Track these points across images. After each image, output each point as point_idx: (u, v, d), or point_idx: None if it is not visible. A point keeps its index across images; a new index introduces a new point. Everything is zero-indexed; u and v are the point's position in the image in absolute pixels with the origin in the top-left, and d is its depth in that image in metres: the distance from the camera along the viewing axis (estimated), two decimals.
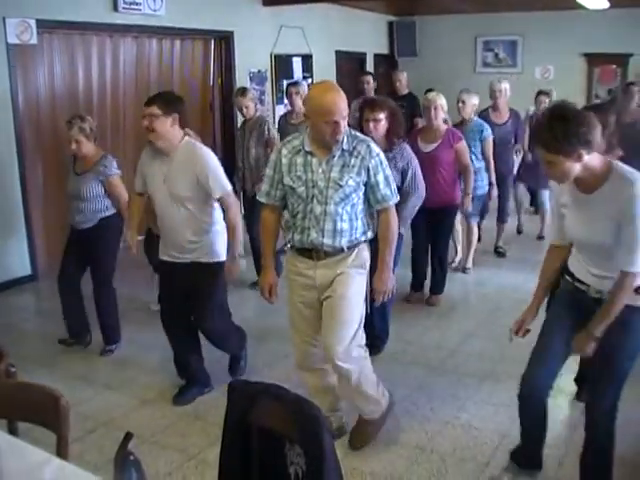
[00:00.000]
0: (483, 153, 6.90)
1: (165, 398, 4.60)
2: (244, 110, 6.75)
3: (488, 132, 6.89)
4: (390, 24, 13.93)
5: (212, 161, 4.19)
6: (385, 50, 13.97)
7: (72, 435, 2.51)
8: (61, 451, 2.40)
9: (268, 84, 10.38)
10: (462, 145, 6.15)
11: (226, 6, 9.30)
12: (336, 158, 3.52)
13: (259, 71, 10.18)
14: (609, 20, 11.68)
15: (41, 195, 7.46)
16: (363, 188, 3.57)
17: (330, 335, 3.62)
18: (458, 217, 6.92)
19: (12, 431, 2.68)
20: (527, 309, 3.37)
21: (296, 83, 7.74)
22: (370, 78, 9.11)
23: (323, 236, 3.56)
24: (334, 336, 3.60)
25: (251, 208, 6.61)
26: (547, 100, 8.55)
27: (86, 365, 5.16)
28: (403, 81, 9.34)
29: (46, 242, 7.47)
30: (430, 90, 8.22)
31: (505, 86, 7.61)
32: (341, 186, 3.51)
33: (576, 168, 2.82)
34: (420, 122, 8.45)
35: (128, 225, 4.74)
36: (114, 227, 5.18)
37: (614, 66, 12.60)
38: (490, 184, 7.04)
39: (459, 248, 7.47)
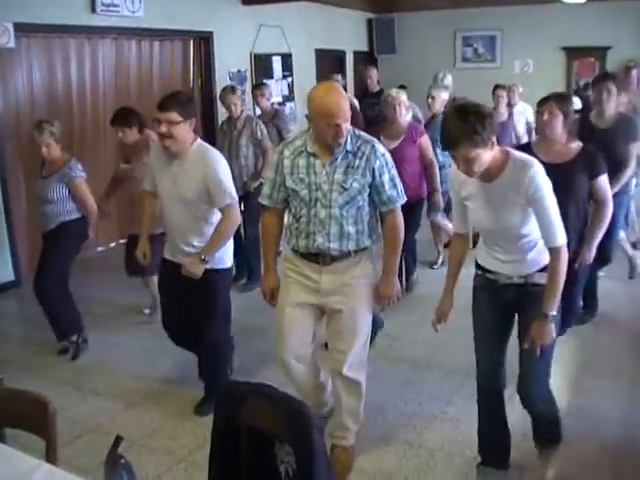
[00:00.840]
0: None
1: (151, 401, 4.60)
2: (232, 107, 6.74)
3: None
4: (369, 21, 13.94)
5: (223, 169, 4.08)
6: (365, 47, 13.99)
7: (60, 440, 2.50)
8: (50, 456, 2.39)
9: (248, 84, 10.36)
10: (425, 140, 6.14)
11: (205, 6, 9.27)
12: (340, 160, 3.42)
13: (239, 71, 10.17)
14: (587, 14, 11.77)
15: (23, 200, 7.40)
16: (368, 190, 3.47)
17: (341, 346, 3.62)
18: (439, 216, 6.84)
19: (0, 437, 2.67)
20: (442, 300, 3.53)
21: (261, 85, 7.95)
22: (339, 77, 9.27)
23: (329, 240, 3.47)
24: (345, 348, 3.60)
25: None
26: (504, 94, 8.48)
27: (71, 370, 5.14)
28: (374, 77, 9.44)
29: (29, 248, 7.41)
30: (402, 87, 8.55)
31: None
32: (345, 189, 3.41)
33: (490, 157, 2.93)
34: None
35: (142, 230, 4.59)
36: (73, 231, 5.17)
37: (592, 59, 12.67)
38: None
39: (440, 248, 7.40)
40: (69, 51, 7.83)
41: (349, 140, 3.42)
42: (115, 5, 7.81)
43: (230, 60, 9.91)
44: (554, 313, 3.06)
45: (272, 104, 8.14)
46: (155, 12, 8.34)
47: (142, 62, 8.81)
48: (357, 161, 3.43)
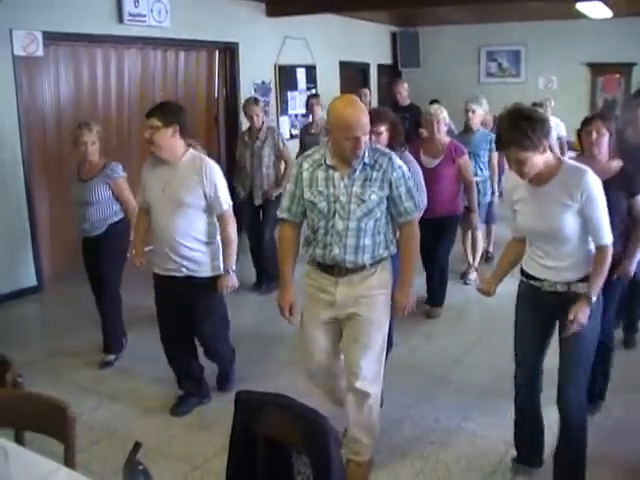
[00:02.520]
0: (490, 162, 7.05)
1: (169, 408, 4.60)
2: (254, 118, 6.84)
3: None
4: (393, 35, 13.98)
5: (220, 176, 4.21)
6: (388, 61, 14.02)
7: (78, 445, 2.52)
8: (69, 460, 2.42)
9: (272, 95, 10.41)
10: (464, 160, 6.13)
11: (230, 17, 9.35)
12: (358, 172, 3.43)
13: (263, 82, 10.22)
14: (612, 29, 11.70)
15: (47, 206, 7.48)
16: (386, 202, 3.49)
17: (354, 358, 3.60)
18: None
19: (19, 440, 2.69)
20: (491, 279, 3.66)
21: (316, 95, 8.32)
22: (367, 91, 9.55)
23: (345, 252, 3.47)
24: (360, 358, 3.58)
25: (256, 215, 6.99)
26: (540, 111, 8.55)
27: (90, 375, 5.16)
28: (404, 92, 9.39)
29: (52, 253, 7.50)
30: (435, 101, 8.70)
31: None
32: (364, 201, 3.42)
33: (541, 160, 3.11)
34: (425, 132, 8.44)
35: (136, 242, 4.67)
36: (122, 233, 5.19)
37: (617, 75, 12.61)
38: (493, 193, 7.18)
39: (473, 262, 7.32)
40: (96, 60, 7.90)
41: (367, 153, 3.44)
42: (142, 15, 7.89)
43: (255, 71, 9.97)
44: (594, 298, 3.20)
45: None
46: (181, 23, 8.41)
47: (167, 72, 8.88)
48: (375, 174, 3.44)
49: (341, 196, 3.43)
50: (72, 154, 5.25)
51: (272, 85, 10.45)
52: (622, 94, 12.30)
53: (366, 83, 13.03)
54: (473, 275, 7.18)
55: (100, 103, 8.02)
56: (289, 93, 10.79)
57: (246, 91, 9.72)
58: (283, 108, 10.69)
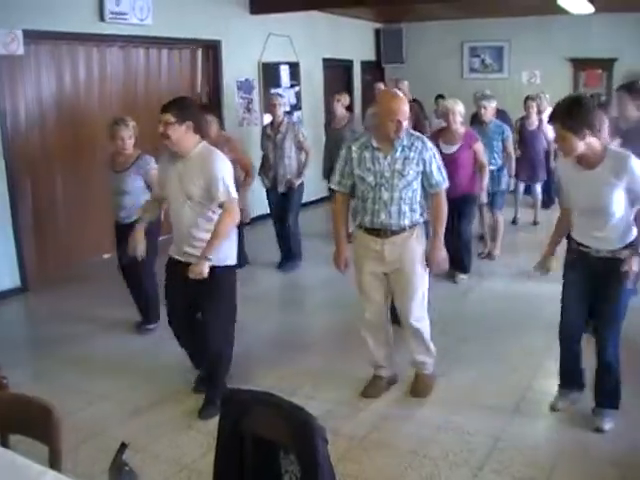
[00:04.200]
0: (504, 151, 7.71)
1: (157, 407, 4.60)
2: (277, 108, 7.63)
3: (508, 132, 7.79)
4: (377, 31, 13.96)
5: (223, 166, 4.30)
6: (372, 57, 14.00)
7: (64, 446, 2.48)
8: (54, 463, 2.39)
9: (256, 92, 10.38)
10: (479, 145, 6.96)
11: (213, 15, 9.30)
12: (398, 152, 4.24)
13: (246, 80, 10.19)
14: (594, 25, 11.74)
15: (30, 206, 7.43)
16: (420, 177, 4.28)
17: (406, 301, 4.42)
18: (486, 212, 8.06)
19: (4, 443, 2.67)
20: (544, 256, 4.30)
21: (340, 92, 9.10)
22: (381, 85, 10.38)
23: (390, 217, 4.27)
24: (409, 302, 4.41)
25: (280, 202, 7.82)
26: (534, 104, 9.39)
27: (77, 375, 5.12)
28: (405, 89, 9.93)
29: (36, 254, 7.44)
30: (441, 96, 10.01)
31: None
32: (404, 175, 4.23)
33: (581, 145, 3.67)
34: (427, 125, 9.77)
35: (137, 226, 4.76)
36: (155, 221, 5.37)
37: (600, 70, 12.66)
38: (510, 176, 8.04)
39: (493, 242, 8.15)
40: (77, 59, 7.86)
41: (405, 136, 4.24)
42: (124, 13, 7.84)
43: (238, 69, 9.94)
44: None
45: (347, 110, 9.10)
46: (163, 20, 8.36)
47: (150, 70, 8.84)
48: (412, 154, 4.25)
49: (385, 172, 4.24)
50: (109, 147, 5.74)
51: (255, 82, 10.42)
52: (604, 89, 12.36)
53: (350, 80, 13.03)
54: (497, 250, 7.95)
55: (82, 102, 7.97)
56: (272, 90, 10.75)
57: (229, 89, 9.70)
58: (267, 105, 10.65)
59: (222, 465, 2.42)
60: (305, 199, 8.38)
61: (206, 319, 4.44)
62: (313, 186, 9.52)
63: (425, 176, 4.31)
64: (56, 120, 7.66)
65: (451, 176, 5.79)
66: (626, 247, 3.84)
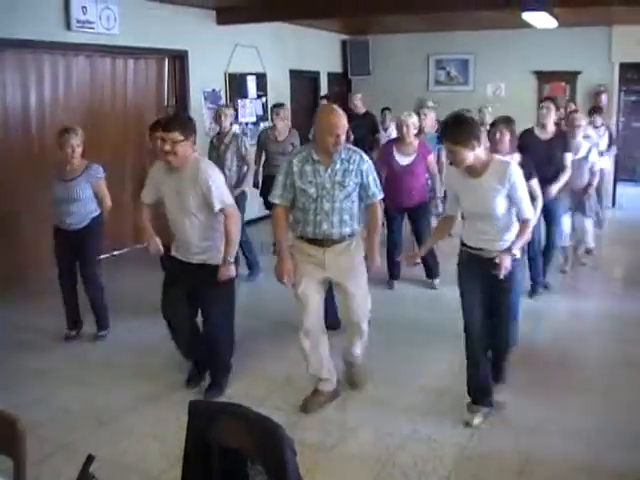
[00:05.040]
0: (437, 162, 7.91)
1: (123, 419, 4.55)
2: (223, 119, 7.59)
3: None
4: (343, 43, 14.03)
5: (214, 174, 4.63)
6: (339, 69, 14.05)
7: (29, 459, 2.44)
8: (19, 477, 2.35)
9: (222, 103, 10.36)
10: (431, 157, 7.29)
11: (180, 25, 9.28)
12: (338, 165, 4.42)
13: (213, 90, 10.18)
14: (558, 39, 11.91)
15: None
16: (358, 188, 4.48)
17: (354, 304, 4.60)
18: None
19: None
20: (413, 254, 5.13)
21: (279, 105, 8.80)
22: (325, 101, 10.33)
23: (333, 227, 4.46)
24: (357, 305, 4.60)
25: None
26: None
27: (42, 387, 5.06)
28: (358, 102, 10.41)
29: None
30: (387, 109, 10.14)
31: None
32: (345, 187, 4.43)
33: (470, 156, 4.01)
34: (381, 137, 10.03)
35: (149, 235, 4.98)
36: (100, 225, 5.91)
37: (563, 83, 12.84)
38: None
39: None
40: (43, 67, 7.78)
41: (343, 150, 4.41)
42: (90, 22, 7.80)
43: (205, 79, 9.92)
44: (516, 254, 4.20)
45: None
46: (130, 30, 8.33)
47: (116, 80, 8.78)
48: (351, 166, 4.44)
49: (326, 184, 4.40)
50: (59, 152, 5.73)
51: (222, 93, 10.41)
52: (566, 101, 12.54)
53: (316, 91, 13.07)
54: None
55: (48, 111, 7.89)
56: (239, 101, 10.77)
57: (196, 99, 9.67)
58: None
59: (190, 476, 2.40)
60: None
61: (210, 307, 4.82)
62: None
63: (363, 187, 4.51)
64: (21, 129, 7.58)
65: (407, 186, 7.02)
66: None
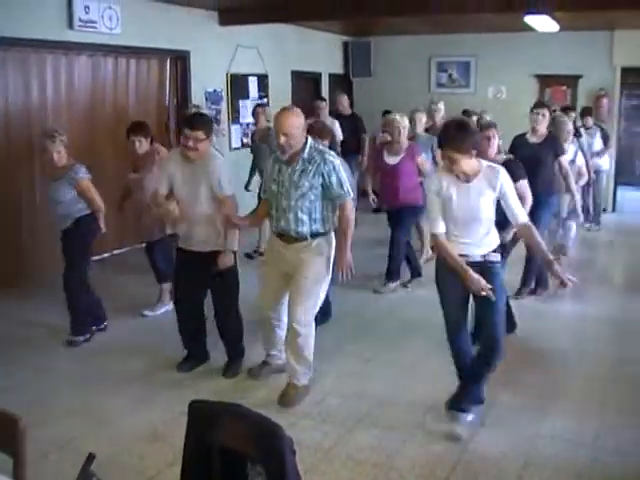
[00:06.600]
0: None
1: (122, 419, 4.56)
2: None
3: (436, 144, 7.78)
4: (345, 44, 14.04)
5: (220, 165, 4.97)
6: (340, 70, 14.07)
7: (29, 458, 2.44)
8: (18, 475, 2.35)
9: (224, 104, 10.38)
10: (422, 158, 7.32)
11: (182, 25, 9.30)
12: (299, 165, 4.56)
13: (215, 90, 10.19)
14: (559, 42, 11.93)
15: None
16: (320, 188, 4.57)
17: (294, 304, 4.64)
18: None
19: None
20: (468, 275, 4.11)
21: (262, 104, 9.29)
22: (322, 103, 10.36)
23: (288, 223, 4.61)
24: (296, 305, 4.62)
25: None
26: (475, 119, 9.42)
27: (42, 387, 5.06)
28: (344, 103, 10.75)
29: None
30: (388, 112, 9.46)
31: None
32: (299, 187, 4.55)
33: (470, 163, 4.03)
34: (365, 139, 10.35)
35: (165, 215, 5.24)
36: (85, 225, 5.79)
37: (564, 87, 12.85)
38: None
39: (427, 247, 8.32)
40: (45, 66, 7.80)
41: (307, 150, 4.57)
42: (92, 21, 7.81)
43: (206, 80, 9.93)
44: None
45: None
46: (132, 30, 8.34)
47: (118, 79, 8.80)
48: (309, 167, 4.55)
49: (285, 182, 4.59)
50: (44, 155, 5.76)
51: (224, 94, 10.42)
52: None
53: (318, 92, 13.07)
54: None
55: (50, 110, 7.90)
56: (241, 102, 10.77)
57: (198, 99, 9.68)
58: (235, 117, 10.67)
59: (189, 477, 2.40)
60: None
61: (219, 293, 5.18)
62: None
63: (326, 189, 4.59)
64: (23, 128, 7.58)
65: (392, 186, 7.15)
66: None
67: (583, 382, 5.10)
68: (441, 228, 4.23)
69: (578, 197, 7.39)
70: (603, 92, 12.00)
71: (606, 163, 10.63)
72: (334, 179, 4.57)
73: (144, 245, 6.76)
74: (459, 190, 4.13)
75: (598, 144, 10.26)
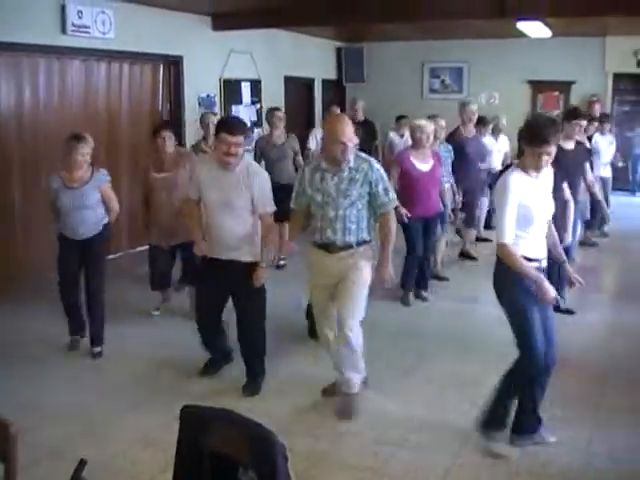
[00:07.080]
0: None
1: (114, 425, 4.54)
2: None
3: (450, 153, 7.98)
4: (338, 50, 14.08)
5: (265, 182, 4.91)
6: (333, 76, 14.10)
7: (21, 463, 2.43)
8: None
9: (217, 109, 10.38)
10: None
11: (175, 30, 9.30)
12: (345, 173, 4.50)
13: (208, 96, 10.19)
14: (552, 48, 12.00)
15: None
16: (367, 197, 4.53)
17: (344, 311, 4.55)
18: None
19: None
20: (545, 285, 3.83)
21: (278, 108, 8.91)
22: (336, 108, 10.39)
23: (335, 234, 4.54)
24: (347, 311, 4.53)
25: None
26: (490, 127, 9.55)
27: (32, 393, 5.03)
28: (360, 109, 10.23)
29: None
30: (403, 117, 10.01)
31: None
32: (348, 195, 4.49)
33: None
34: (399, 145, 9.93)
35: (197, 236, 5.07)
36: (109, 231, 5.83)
37: (557, 93, 12.91)
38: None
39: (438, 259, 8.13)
40: (38, 71, 7.79)
41: (352, 159, 4.49)
42: (86, 26, 7.81)
43: (199, 85, 9.94)
44: None
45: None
46: (126, 35, 8.35)
47: (111, 84, 8.79)
48: (357, 175, 4.49)
49: (332, 191, 4.51)
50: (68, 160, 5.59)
51: (217, 99, 10.43)
52: (561, 111, 12.60)
53: (310, 98, 13.10)
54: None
55: (42, 115, 7.89)
56: (234, 107, 10.78)
57: (191, 104, 9.68)
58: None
59: None
60: None
61: (244, 304, 4.99)
62: None
63: (372, 197, 4.54)
64: (16, 132, 7.58)
65: (428, 192, 6.89)
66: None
67: (576, 387, 5.10)
68: (512, 237, 3.84)
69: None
70: (595, 98, 12.06)
71: (609, 171, 10.42)
72: (381, 187, 4.53)
73: (172, 245, 6.38)
74: (538, 188, 3.94)
75: (612, 152, 10.12)
